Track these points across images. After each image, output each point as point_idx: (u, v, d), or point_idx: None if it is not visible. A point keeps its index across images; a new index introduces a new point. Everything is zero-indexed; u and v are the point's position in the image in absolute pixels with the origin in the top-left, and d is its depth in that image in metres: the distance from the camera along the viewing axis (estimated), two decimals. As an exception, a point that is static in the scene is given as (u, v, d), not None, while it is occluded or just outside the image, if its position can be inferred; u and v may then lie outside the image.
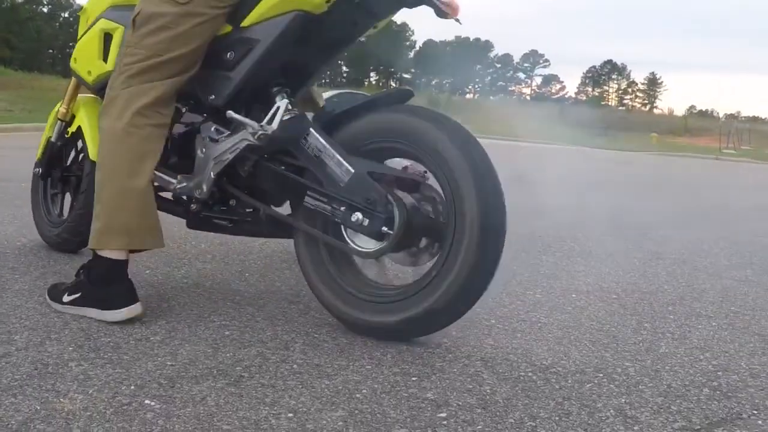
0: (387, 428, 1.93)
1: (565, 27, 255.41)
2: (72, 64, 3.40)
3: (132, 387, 2.11)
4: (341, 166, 2.63)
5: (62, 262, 3.51)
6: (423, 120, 2.62)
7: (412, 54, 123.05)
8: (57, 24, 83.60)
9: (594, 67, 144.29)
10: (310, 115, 2.86)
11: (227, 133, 2.81)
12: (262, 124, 2.68)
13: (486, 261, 2.53)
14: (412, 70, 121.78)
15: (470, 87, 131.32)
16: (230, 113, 2.75)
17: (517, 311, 3.05)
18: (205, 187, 2.86)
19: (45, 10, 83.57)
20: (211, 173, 2.83)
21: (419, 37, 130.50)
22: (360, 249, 2.66)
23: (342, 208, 2.62)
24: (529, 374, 2.37)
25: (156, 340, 2.50)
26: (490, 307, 3.05)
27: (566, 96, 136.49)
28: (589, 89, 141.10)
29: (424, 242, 2.67)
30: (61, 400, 2.01)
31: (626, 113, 72.15)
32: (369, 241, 2.62)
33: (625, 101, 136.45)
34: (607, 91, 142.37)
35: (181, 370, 2.25)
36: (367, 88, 66.53)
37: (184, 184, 2.92)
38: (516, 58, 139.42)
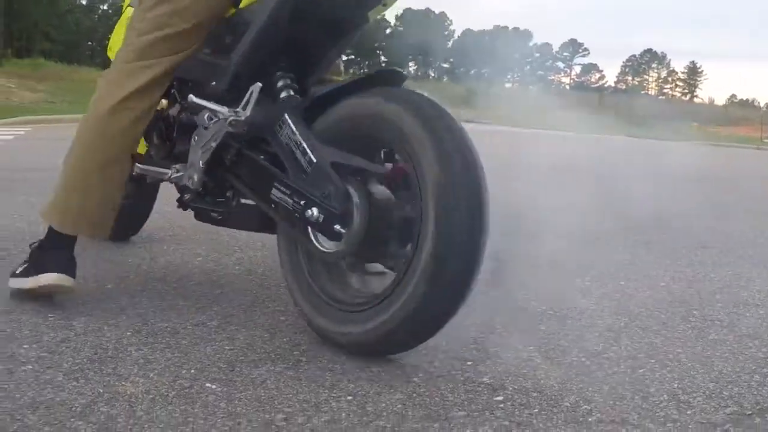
0: (445, 411, 1.96)
1: (604, 15, 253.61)
2: (108, 53, 3.43)
3: (192, 371, 2.16)
4: (305, 155, 2.43)
5: (114, 248, 3.56)
6: (394, 103, 2.31)
7: (450, 43, 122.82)
8: (96, 16, 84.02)
9: (634, 56, 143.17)
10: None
11: (216, 120, 2.69)
12: (236, 110, 2.56)
13: (440, 283, 2.16)
14: (450, 60, 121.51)
15: (509, 77, 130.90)
16: (191, 97, 2.67)
17: (567, 298, 3.07)
18: (195, 177, 2.78)
19: (84, 2, 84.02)
20: (200, 162, 2.74)
21: (458, 27, 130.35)
22: (321, 249, 2.42)
23: (302, 202, 2.40)
24: (582, 359, 2.39)
25: (213, 326, 2.55)
26: (540, 294, 3.08)
27: (605, 85, 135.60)
28: (629, 78, 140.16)
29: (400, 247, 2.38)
30: (123, 383, 2.06)
31: (666, 103, 71.67)
32: (327, 240, 2.40)
33: (665, 91, 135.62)
34: (647, 80, 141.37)
35: (239, 354, 2.30)
36: (406, 79, 66.54)
37: (179, 174, 2.86)
38: (555, 48, 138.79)
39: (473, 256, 2.17)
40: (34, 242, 2.80)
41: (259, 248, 3.74)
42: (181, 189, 2.92)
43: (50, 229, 2.75)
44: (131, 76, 2.70)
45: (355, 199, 2.31)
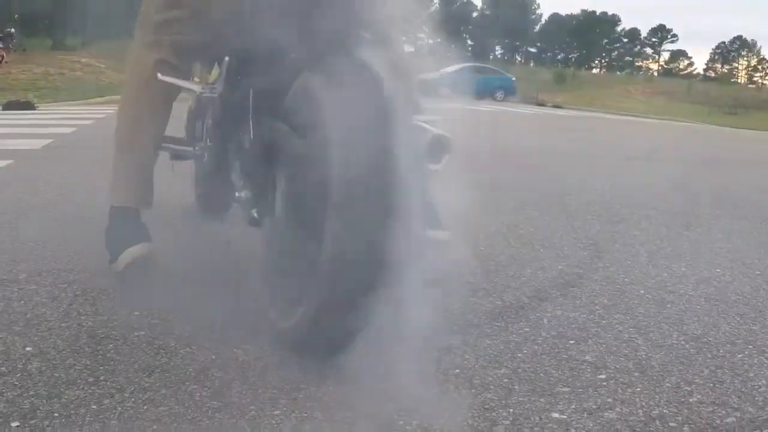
0: (550, 386, 2.02)
1: (693, 1, 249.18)
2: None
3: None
4: (248, 134, 2.36)
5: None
6: (319, 76, 2.06)
7: (537, 27, 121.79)
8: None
9: (723, 42, 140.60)
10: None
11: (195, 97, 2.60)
12: (203, 86, 2.49)
13: (340, 288, 1.97)
14: (538, 44, 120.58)
15: (596, 62, 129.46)
16: (160, 75, 2.60)
17: (665, 283, 3.09)
18: (206, 155, 2.81)
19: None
20: (208, 139, 2.76)
21: (545, 10, 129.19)
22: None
23: (241, 183, 2.40)
24: (682, 343, 2.42)
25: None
26: (639, 278, 3.11)
27: (694, 72, 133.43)
28: (718, 66, 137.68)
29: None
30: (234, 350, 2.16)
31: (756, 91, 70.39)
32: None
33: (755, 79, 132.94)
34: (737, 68, 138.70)
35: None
36: (492, 62, 66.16)
37: (198, 152, 2.89)
38: (643, 33, 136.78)
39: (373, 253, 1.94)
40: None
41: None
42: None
43: (110, 209, 2.87)
44: (157, 48, 2.77)
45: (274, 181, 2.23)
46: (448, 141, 2.18)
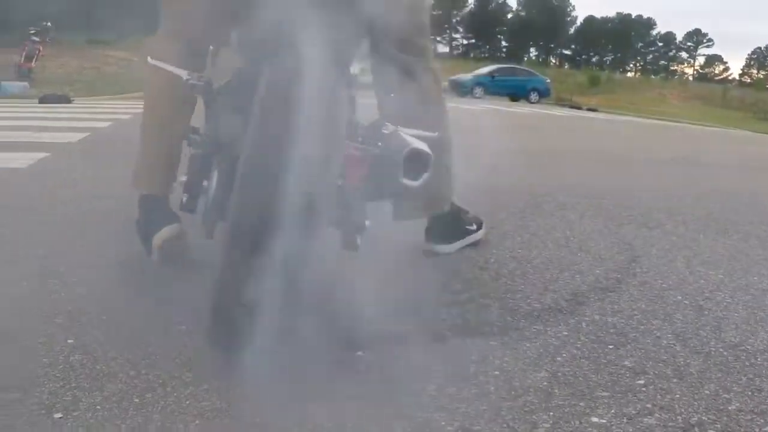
0: (590, 390, 2.03)
1: (729, 5, 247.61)
2: None
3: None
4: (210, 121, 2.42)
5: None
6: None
7: (572, 30, 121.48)
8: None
9: (759, 48, 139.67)
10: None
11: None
12: (189, 73, 2.48)
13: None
14: (572, 46, 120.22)
15: (631, 65, 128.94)
16: (150, 59, 2.62)
17: (702, 290, 3.08)
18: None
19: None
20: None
21: (580, 13, 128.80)
22: None
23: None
24: (720, 350, 2.42)
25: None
26: (677, 284, 3.11)
27: (729, 78, 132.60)
28: (754, 71, 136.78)
29: None
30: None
31: (794, 98, 69.79)
32: None
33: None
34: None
35: (388, 326, 2.39)
36: (527, 63, 66.00)
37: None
38: (678, 37, 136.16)
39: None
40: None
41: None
42: None
43: (139, 199, 2.94)
44: (176, 36, 2.84)
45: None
46: (429, 158, 2.13)
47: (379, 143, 2.17)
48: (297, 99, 1.93)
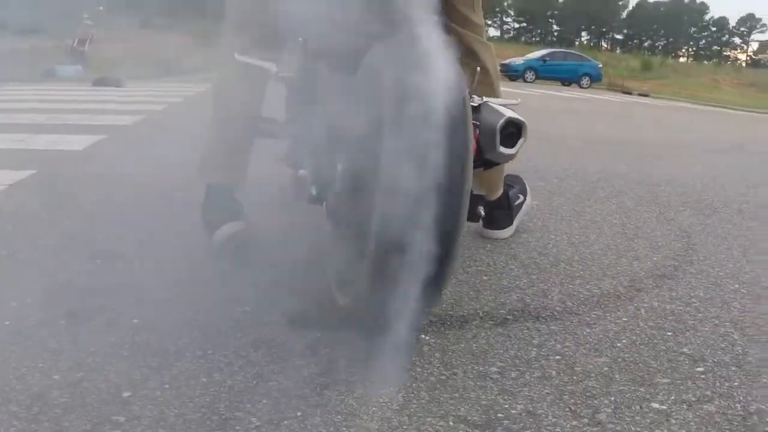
0: (650, 376, 2.05)
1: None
2: None
3: (406, 321, 2.30)
4: (317, 114, 2.42)
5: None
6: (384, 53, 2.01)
7: (624, 14, 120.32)
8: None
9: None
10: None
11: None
12: (280, 66, 2.53)
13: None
14: (624, 31, 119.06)
15: (683, 50, 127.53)
16: (236, 55, 2.64)
17: (759, 278, 3.08)
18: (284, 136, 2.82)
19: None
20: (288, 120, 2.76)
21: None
22: None
23: (302, 161, 2.44)
24: (778, 339, 2.43)
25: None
26: (733, 272, 3.11)
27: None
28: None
29: None
30: (340, 333, 2.21)
31: None
32: None
33: None
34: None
35: (448, 310, 2.43)
36: (578, 47, 65.45)
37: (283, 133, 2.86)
38: (732, 22, 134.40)
39: None
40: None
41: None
42: None
43: (206, 186, 2.97)
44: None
45: None
46: (523, 125, 2.18)
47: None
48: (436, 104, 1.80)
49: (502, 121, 2.17)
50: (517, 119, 2.18)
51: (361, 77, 2.16)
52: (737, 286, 2.95)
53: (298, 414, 1.75)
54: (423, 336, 2.21)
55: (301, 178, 2.29)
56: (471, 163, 1.86)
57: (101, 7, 30.54)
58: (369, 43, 2.11)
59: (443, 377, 1.97)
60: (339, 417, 1.75)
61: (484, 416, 1.78)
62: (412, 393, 1.88)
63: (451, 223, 1.78)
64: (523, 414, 1.80)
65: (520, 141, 2.20)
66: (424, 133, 1.76)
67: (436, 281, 1.81)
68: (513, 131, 2.19)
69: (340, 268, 2.23)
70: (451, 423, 1.74)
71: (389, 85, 1.85)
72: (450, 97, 1.79)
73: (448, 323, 2.32)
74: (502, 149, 2.19)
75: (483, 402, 1.85)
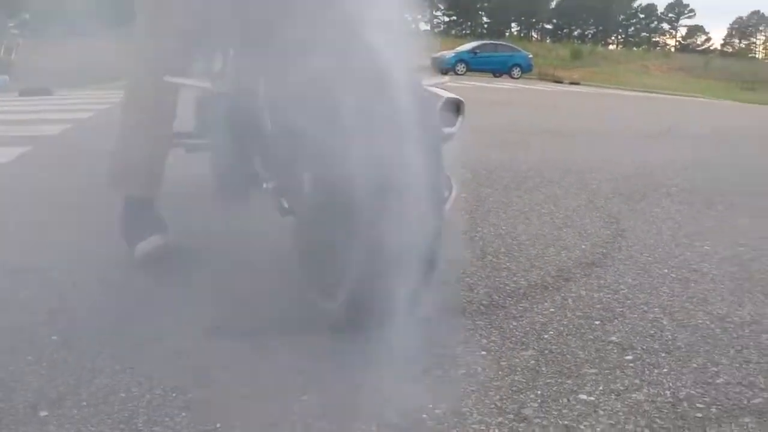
0: (577, 368, 2.02)
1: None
2: None
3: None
4: (266, 124, 2.41)
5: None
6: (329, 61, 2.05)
7: (553, 4, 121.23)
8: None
9: (740, 18, 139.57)
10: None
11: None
12: (212, 82, 2.53)
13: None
14: (554, 21, 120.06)
15: (613, 38, 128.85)
16: (167, 77, 2.65)
17: (688, 262, 3.08)
18: (222, 148, 2.85)
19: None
20: (223, 133, 2.77)
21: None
22: None
23: (267, 174, 2.48)
24: (707, 323, 2.41)
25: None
26: (662, 257, 3.10)
27: (711, 48, 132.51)
28: (736, 41, 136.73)
29: None
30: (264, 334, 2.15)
31: (775, 66, 69.77)
32: None
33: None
34: (755, 43, 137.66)
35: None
36: (508, 39, 65.85)
37: (213, 145, 2.92)
38: (660, 8, 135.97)
39: None
40: None
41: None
42: None
43: (125, 197, 2.89)
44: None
45: None
46: (461, 103, 2.22)
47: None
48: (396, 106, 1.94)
49: (440, 102, 2.18)
50: (455, 98, 2.18)
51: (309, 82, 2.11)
52: (666, 270, 2.95)
53: (218, 425, 1.70)
54: (344, 337, 2.15)
55: (270, 190, 2.31)
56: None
57: (27, 15, 30.11)
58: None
59: (365, 380, 1.92)
60: (258, 428, 1.70)
61: (408, 418, 1.74)
62: (334, 397, 1.83)
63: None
64: (448, 413, 1.76)
65: (460, 119, 2.20)
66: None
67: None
68: (453, 111, 2.22)
69: (320, 275, 2.24)
70: (374, 428, 1.70)
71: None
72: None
73: (371, 322, 2.26)
74: (445, 129, 2.20)
75: (407, 403, 1.80)
